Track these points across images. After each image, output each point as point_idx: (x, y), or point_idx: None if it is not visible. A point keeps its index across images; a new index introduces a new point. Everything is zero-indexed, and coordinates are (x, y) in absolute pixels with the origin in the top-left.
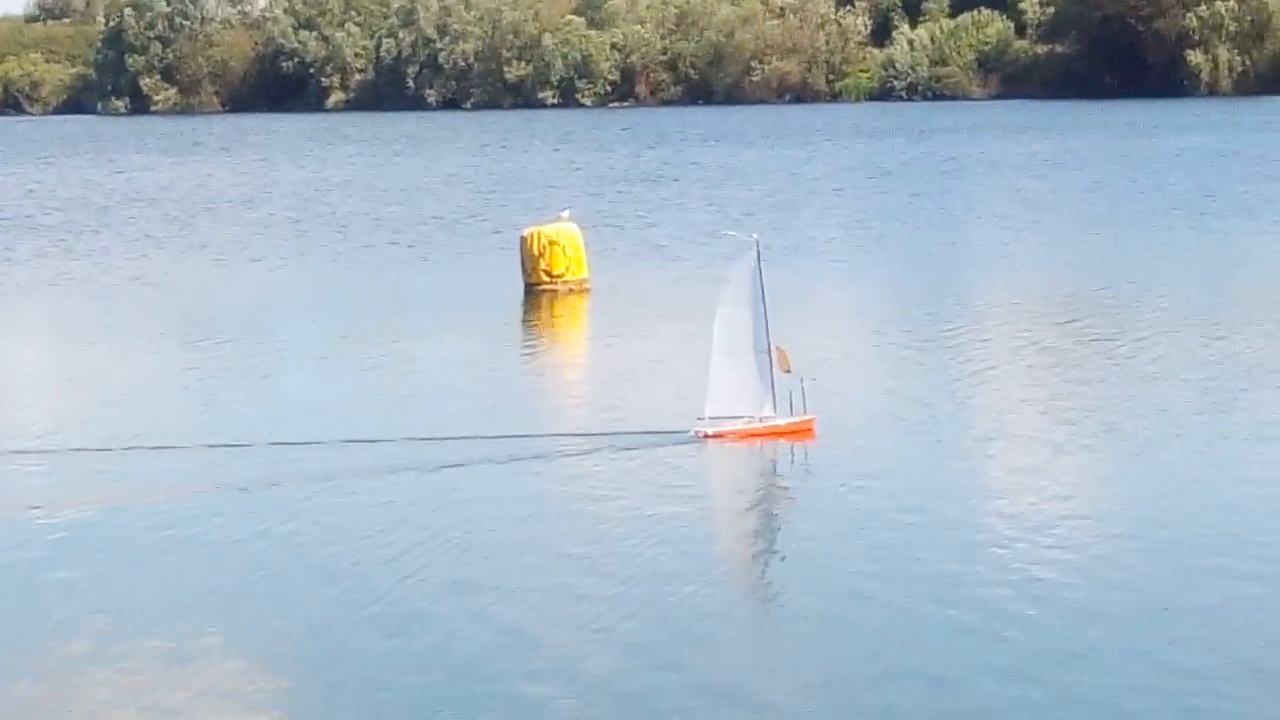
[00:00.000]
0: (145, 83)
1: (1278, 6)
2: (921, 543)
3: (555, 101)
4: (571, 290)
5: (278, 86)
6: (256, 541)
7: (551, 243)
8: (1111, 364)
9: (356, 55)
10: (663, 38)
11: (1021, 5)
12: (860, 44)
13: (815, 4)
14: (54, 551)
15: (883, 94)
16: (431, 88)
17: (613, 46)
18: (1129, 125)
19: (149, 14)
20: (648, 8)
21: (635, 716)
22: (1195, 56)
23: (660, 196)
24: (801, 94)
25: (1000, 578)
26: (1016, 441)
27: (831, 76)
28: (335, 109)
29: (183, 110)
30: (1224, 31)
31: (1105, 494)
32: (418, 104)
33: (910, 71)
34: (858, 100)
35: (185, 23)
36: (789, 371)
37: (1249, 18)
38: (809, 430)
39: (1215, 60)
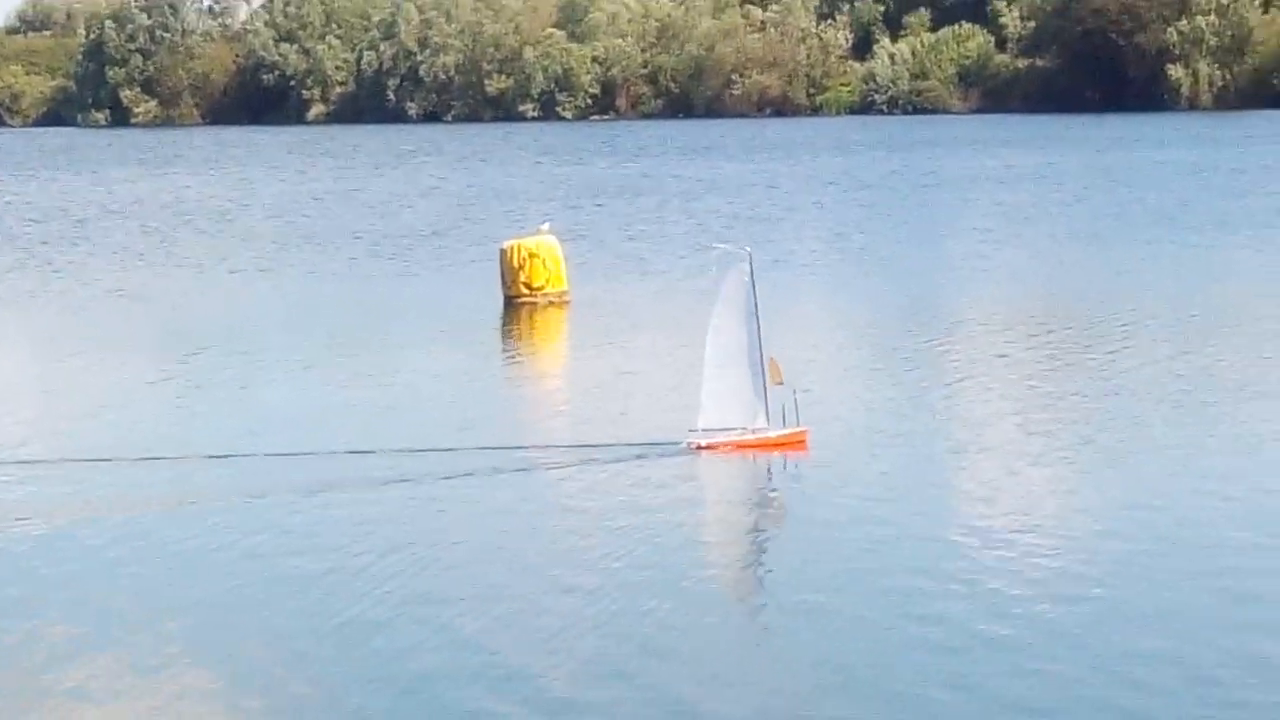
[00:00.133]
0: (126, 95)
1: (1258, 22)
2: (915, 557)
3: (536, 114)
4: (551, 303)
5: (258, 99)
6: (231, 553)
7: (531, 255)
8: (1106, 377)
9: (337, 68)
10: (643, 51)
11: (1002, 19)
12: (841, 58)
13: (796, 18)
14: (26, 562)
15: (863, 108)
16: (412, 100)
17: (593, 59)
18: (1109, 139)
19: (130, 26)
20: (629, 21)
21: None
22: (1176, 71)
23: (640, 209)
24: (782, 107)
25: (991, 592)
26: (1010, 455)
27: (812, 90)
28: (316, 121)
29: (163, 123)
30: (1204, 46)
31: (1097, 508)
32: (398, 116)
33: (891, 85)
34: (838, 114)
35: (166, 35)
36: (781, 384)
37: (1229, 33)
38: (801, 442)
39: (1195, 75)
